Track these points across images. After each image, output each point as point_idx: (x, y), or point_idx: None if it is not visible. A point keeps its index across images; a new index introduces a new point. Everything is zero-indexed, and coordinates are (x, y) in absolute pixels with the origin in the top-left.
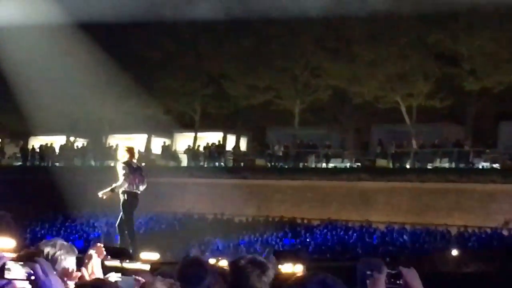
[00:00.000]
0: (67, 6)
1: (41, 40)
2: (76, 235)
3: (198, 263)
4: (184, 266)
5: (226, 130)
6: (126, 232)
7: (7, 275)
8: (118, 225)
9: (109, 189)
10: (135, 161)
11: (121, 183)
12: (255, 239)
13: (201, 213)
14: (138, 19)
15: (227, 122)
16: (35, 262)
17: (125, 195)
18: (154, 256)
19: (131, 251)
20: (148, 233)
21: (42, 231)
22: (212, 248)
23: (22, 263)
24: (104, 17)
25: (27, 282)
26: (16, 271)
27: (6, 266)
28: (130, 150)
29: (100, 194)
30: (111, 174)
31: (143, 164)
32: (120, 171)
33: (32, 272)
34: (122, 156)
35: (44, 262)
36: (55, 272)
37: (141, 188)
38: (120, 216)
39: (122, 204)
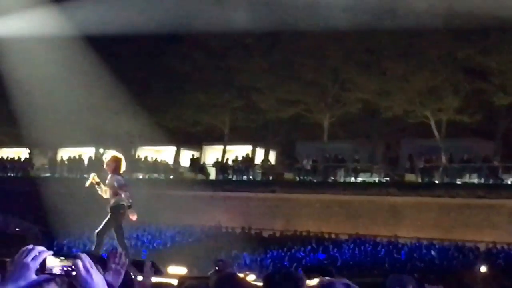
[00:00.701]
0: (97, 18)
1: (69, 52)
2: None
3: (234, 279)
4: (220, 282)
5: (255, 143)
6: (117, 241)
7: (48, 269)
8: (97, 233)
9: (131, 211)
10: (122, 172)
11: (127, 196)
12: (283, 253)
13: (229, 227)
14: (169, 32)
15: (256, 135)
16: (77, 258)
17: (123, 209)
18: (182, 270)
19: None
20: (175, 246)
21: (69, 244)
22: (239, 262)
23: (63, 258)
24: (135, 29)
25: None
26: (58, 266)
27: (47, 261)
28: (119, 161)
29: (132, 217)
30: (139, 187)
31: (171, 176)
32: (115, 183)
33: (73, 267)
34: (112, 167)
35: (86, 258)
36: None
37: None
38: (103, 225)
39: (119, 217)
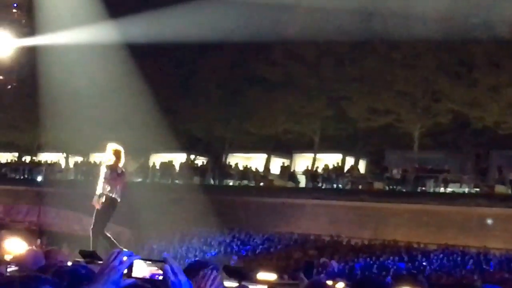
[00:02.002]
0: (190, 26)
1: (159, 60)
2: (191, 254)
3: (324, 286)
4: None
5: (345, 152)
6: (98, 234)
7: (136, 273)
8: (92, 229)
9: (97, 197)
10: (121, 165)
11: (102, 188)
12: (371, 262)
13: (318, 235)
14: (261, 39)
15: (346, 144)
16: (165, 262)
17: (106, 199)
18: (271, 276)
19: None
20: (265, 253)
21: (160, 248)
22: (327, 270)
23: (150, 262)
24: (229, 36)
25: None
26: (145, 270)
27: (134, 265)
28: (118, 153)
29: (95, 203)
30: (229, 193)
31: (261, 184)
32: (102, 175)
33: (161, 272)
34: (108, 159)
35: (173, 262)
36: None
37: (120, 194)
38: (94, 220)
39: (102, 208)
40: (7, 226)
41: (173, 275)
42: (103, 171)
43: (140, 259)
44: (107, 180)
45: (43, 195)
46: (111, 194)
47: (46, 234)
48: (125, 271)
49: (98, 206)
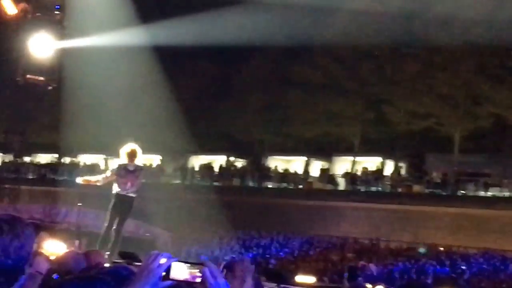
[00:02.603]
0: (235, 29)
1: (211, 62)
2: (229, 256)
3: None
4: None
5: (385, 155)
6: (105, 232)
7: (173, 275)
8: (114, 229)
9: (89, 177)
10: (136, 162)
11: (100, 178)
12: (410, 265)
13: (357, 238)
14: (302, 42)
15: (386, 147)
16: (204, 265)
17: (114, 197)
18: (310, 279)
19: (97, 247)
20: (303, 256)
21: (198, 251)
22: (366, 273)
23: (189, 264)
24: (269, 39)
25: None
26: (183, 272)
27: (173, 267)
28: (130, 154)
29: (80, 180)
30: (268, 195)
31: (301, 186)
32: (110, 169)
33: (199, 274)
34: (123, 158)
35: (212, 265)
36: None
37: (133, 190)
38: (121, 219)
39: (110, 206)
40: (46, 228)
41: (212, 278)
42: (110, 168)
43: (178, 261)
44: (116, 177)
45: (82, 197)
46: (119, 191)
47: (85, 236)
48: (164, 273)
49: (82, 182)
